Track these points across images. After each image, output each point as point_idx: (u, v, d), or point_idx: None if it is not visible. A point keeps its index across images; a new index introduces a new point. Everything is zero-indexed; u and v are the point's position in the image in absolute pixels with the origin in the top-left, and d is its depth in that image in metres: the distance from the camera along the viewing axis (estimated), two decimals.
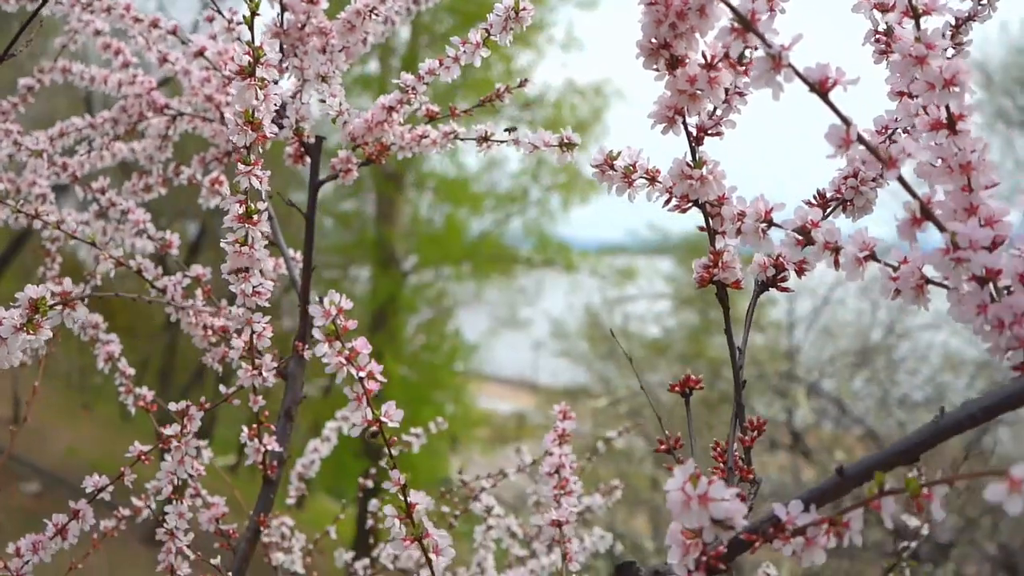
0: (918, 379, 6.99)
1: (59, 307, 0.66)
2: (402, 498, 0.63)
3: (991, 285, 0.50)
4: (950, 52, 0.72)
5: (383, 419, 0.62)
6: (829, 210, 0.67)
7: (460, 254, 11.87)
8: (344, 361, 0.60)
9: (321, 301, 0.60)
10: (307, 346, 0.95)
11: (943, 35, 0.72)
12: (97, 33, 1.17)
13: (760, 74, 0.50)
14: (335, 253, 11.66)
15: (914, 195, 0.51)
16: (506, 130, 0.94)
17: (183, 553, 0.92)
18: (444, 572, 1.25)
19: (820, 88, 0.50)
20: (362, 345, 0.61)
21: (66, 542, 0.89)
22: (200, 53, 1.03)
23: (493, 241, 12.18)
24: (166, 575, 0.93)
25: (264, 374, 0.89)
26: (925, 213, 0.51)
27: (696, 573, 0.53)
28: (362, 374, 0.61)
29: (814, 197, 0.67)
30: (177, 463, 0.89)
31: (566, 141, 0.82)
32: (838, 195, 0.67)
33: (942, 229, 0.50)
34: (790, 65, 0.50)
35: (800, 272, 0.66)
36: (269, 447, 0.95)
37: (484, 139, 0.93)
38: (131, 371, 1.08)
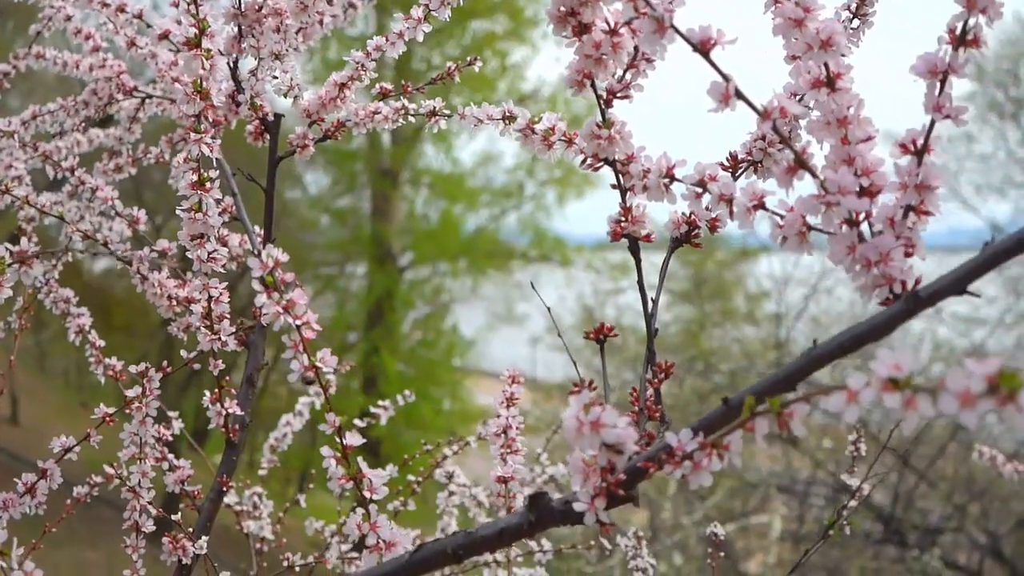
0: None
1: (15, 265, 0.70)
2: (338, 440, 0.68)
3: (860, 228, 0.55)
4: (855, 24, 0.76)
5: (318, 364, 0.66)
6: (740, 170, 0.71)
7: (456, 250, 11.91)
8: (281, 310, 0.65)
9: (259, 255, 0.64)
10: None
11: (848, 7, 0.77)
12: (68, 19, 1.21)
13: (646, 36, 0.54)
14: (331, 250, 11.71)
15: (789, 146, 0.55)
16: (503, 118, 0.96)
17: (147, 511, 0.97)
18: (414, 540, 1.30)
19: (702, 48, 0.54)
20: (299, 296, 0.66)
21: (35, 500, 0.94)
22: (165, 36, 1.07)
23: (489, 237, 12.22)
24: (131, 532, 0.98)
25: (223, 338, 0.93)
26: (799, 162, 0.55)
27: (598, 499, 0.57)
28: (299, 322, 0.65)
29: (726, 159, 0.72)
30: (139, 423, 0.93)
31: (508, 114, 0.86)
32: (748, 156, 0.72)
33: (815, 177, 0.55)
34: (673, 27, 0.54)
35: (713, 229, 0.70)
36: (231, 411, 0.99)
37: (433, 113, 0.97)
38: (101, 343, 1.13)
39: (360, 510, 0.68)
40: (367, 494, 0.68)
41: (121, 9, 1.11)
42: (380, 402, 1.43)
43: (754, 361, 6.85)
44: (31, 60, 1.32)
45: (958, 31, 0.55)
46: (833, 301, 8.26)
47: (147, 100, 1.20)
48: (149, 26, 1.11)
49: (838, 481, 6.28)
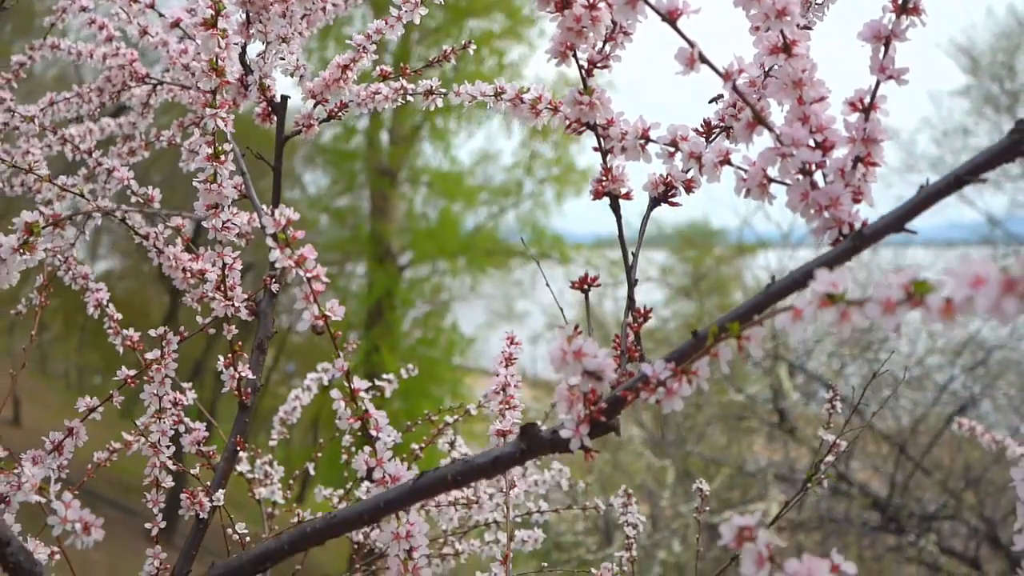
0: (903, 359, 7.11)
1: (50, 228, 0.77)
2: (346, 384, 0.74)
3: (814, 177, 0.61)
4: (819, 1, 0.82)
5: (328, 314, 0.73)
6: (714, 135, 0.78)
7: (455, 248, 11.97)
8: (294, 264, 0.71)
9: (273, 213, 0.71)
10: (274, 281, 1.06)
11: None
12: (83, 10, 1.28)
13: (620, 8, 0.61)
14: (331, 250, 11.76)
15: (748, 103, 0.62)
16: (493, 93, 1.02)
17: (166, 467, 1.04)
18: (418, 509, 1.36)
19: (670, 17, 0.60)
20: (309, 251, 0.72)
21: (62, 457, 1.00)
22: (176, 24, 1.13)
23: (488, 235, 12.28)
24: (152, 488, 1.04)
25: (236, 304, 0.99)
26: (757, 118, 0.62)
27: (582, 426, 0.64)
28: (310, 275, 0.72)
29: (700, 125, 0.78)
30: (159, 384, 1.00)
31: (499, 91, 0.92)
32: (721, 122, 0.78)
33: (771, 131, 0.61)
34: (645, 0, 0.60)
35: (688, 189, 0.77)
36: (243, 374, 1.06)
37: (430, 92, 1.04)
38: (119, 316, 1.19)
39: (367, 448, 0.74)
40: (373, 432, 0.74)
41: (134, 0, 1.17)
42: (384, 375, 1.50)
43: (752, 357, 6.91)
44: (46, 51, 1.38)
45: (900, 1, 0.61)
46: None
47: (158, 86, 1.26)
48: (161, 15, 1.17)
49: (836, 470, 6.35)
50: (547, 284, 1.05)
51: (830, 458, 1.12)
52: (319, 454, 1.62)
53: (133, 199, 1.22)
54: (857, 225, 0.60)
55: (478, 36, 11.19)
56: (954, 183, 0.55)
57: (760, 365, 6.00)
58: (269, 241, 0.71)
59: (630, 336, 0.72)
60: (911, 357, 7.46)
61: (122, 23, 1.26)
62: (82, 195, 1.08)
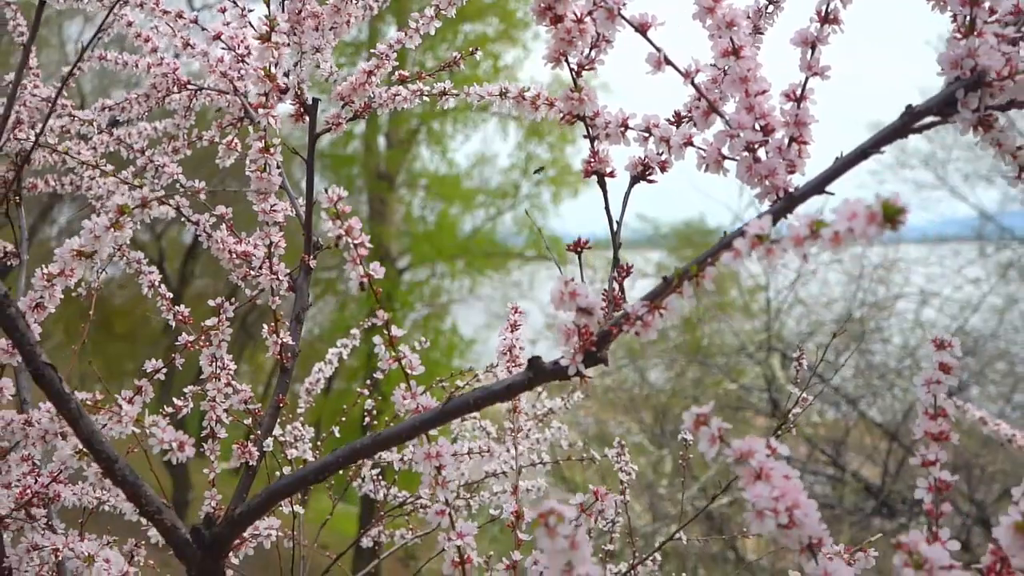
0: (892, 348, 7.29)
1: (139, 208, 0.93)
2: (386, 332, 0.91)
3: (757, 153, 0.78)
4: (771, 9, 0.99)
5: (371, 273, 0.89)
6: (683, 124, 0.94)
7: (453, 250, 12.12)
8: (343, 232, 0.88)
9: (327, 191, 0.87)
10: (312, 258, 1.22)
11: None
12: (130, 24, 1.44)
13: (602, 22, 0.77)
14: (330, 253, 11.90)
15: (705, 98, 0.78)
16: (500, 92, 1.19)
17: (221, 420, 1.20)
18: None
19: (641, 29, 0.77)
20: (355, 222, 0.88)
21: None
22: (217, 37, 1.30)
23: (485, 237, 12.44)
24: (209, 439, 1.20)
25: (280, 278, 1.16)
26: (712, 108, 0.78)
27: (577, 355, 0.80)
28: (356, 242, 0.88)
29: (672, 115, 0.94)
30: (216, 346, 1.16)
31: (504, 90, 1.09)
32: (689, 113, 0.94)
33: (722, 117, 0.78)
34: (621, 15, 0.77)
35: (663, 169, 0.93)
36: (285, 340, 1.22)
37: (443, 93, 1.20)
38: (170, 295, 1.35)
39: (403, 384, 0.90)
40: (408, 371, 0.90)
41: (180, 16, 1.34)
42: (421, 338, 1.66)
43: (749, 350, 7.09)
44: (94, 61, 1.55)
45: (823, 12, 0.78)
46: (825, 286, 8.53)
47: (199, 92, 1.43)
48: (204, 29, 1.33)
49: (832, 459, 6.51)
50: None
51: (797, 410, 1.28)
52: (343, 418, 1.79)
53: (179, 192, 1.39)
54: (791, 190, 0.76)
55: (473, 40, 11.37)
56: (860, 154, 0.72)
57: (754, 357, 6.17)
58: (323, 215, 0.87)
59: (615, 288, 0.88)
60: (905, 349, 7.64)
61: (160, 35, 1.42)
62: (140, 187, 1.24)
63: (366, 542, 1.66)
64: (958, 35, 0.70)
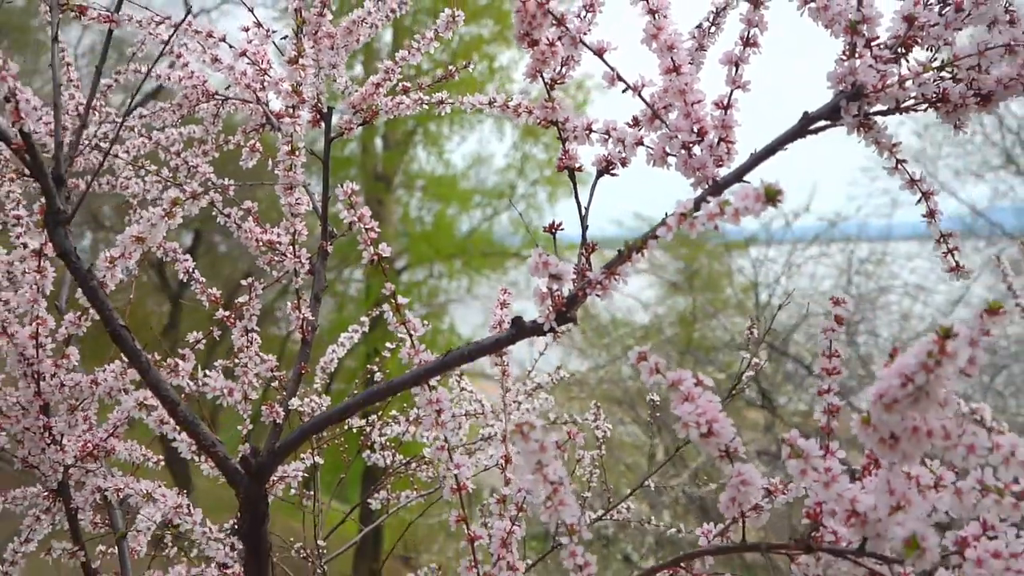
0: (882, 342, 7.50)
1: (189, 200, 1.12)
2: (393, 300, 1.10)
3: (693, 151, 0.98)
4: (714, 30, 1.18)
5: (380, 252, 1.09)
6: (641, 129, 1.14)
7: (451, 251, 12.31)
8: (356, 219, 1.07)
9: (342, 184, 1.07)
10: (329, 243, 1.42)
11: (709, 18, 1.19)
12: (164, 43, 1.63)
13: (567, 46, 0.97)
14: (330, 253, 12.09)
15: (648, 105, 0.98)
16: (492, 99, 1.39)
17: (252, 384, 1.39)
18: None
19: (598, 52, 0.97)
20: (366, 211, 1.08)
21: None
22: (243, 53, 1.49)
23: (482, 237, 12.63)
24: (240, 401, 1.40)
25: (303, 261, 1.35)
26: (655, 115, 0.98)
27: (551, 315, 0.99)
28: (367, 227, 1.08)
29: (630, 119, 1.14)
30: (248, 319, 1.35)
31: (492, 100, 1.28)
32: (640, 118, 1.14)
33: (664, 123, 0.97)
34: (582, 41, 0.96)
35: (623, 164, 1.13)
36: (306, 316, 1.41)
37: (441, 102, 1.40)
38: (202, 279, 1.55)
39: (407, 342, 1.10)
40: (412, 332, 1.10)
41: (210, 35, 1.53)
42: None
43: (735, 338, 7.30)
44: (130, 74, 1.74)
45: (745, 37, 0.98)
46: (816, 280, 8.74)
47: (225, 101, 1.62)
48: (231, 46, 1.53)
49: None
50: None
51: (750, 373, 1.47)
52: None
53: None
54: (717, 179, 0.96)
55: (468, 41, 11.56)
56: (765, 153, 0.91)
57: (743, 348, 6.37)
58: (339, 204, 1.07)
59: (583, 260, 1.08)
60: (894, 342, 7.84)
61: (188, 50, 1.62)
62: (179, 185, 1.44)
63: (374, 504, 1.85)
64: (843, 57, 0.90)
